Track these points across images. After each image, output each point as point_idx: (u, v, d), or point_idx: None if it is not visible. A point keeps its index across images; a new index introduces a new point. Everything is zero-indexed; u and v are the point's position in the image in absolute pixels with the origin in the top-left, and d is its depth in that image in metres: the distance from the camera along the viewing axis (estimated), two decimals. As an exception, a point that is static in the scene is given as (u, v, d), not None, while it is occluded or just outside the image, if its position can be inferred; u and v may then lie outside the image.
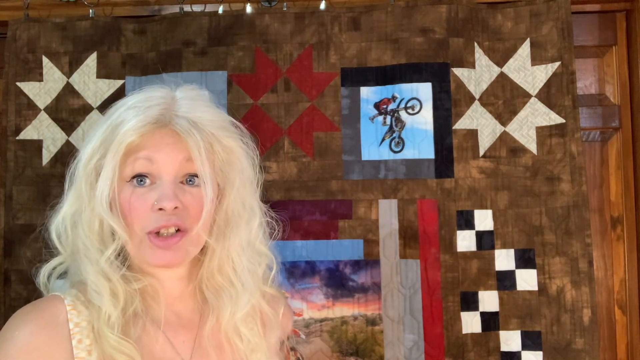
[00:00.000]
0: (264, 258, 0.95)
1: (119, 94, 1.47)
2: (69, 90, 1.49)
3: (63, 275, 0.90)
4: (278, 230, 0.98)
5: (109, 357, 0.79)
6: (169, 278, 0.89)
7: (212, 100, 0.92)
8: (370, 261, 1.46)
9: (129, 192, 0.83)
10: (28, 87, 1.50)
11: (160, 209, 0.81)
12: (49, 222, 0.89)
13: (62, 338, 0.79)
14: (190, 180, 0.85)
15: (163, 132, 0.83)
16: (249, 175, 0.92)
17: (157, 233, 0.82)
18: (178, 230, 0.83)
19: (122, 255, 0.85)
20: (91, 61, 1.50)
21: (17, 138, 1.49)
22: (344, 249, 1.46)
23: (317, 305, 1.46)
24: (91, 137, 0.86)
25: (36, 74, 1.50)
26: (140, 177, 0.83)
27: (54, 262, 0.88)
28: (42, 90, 1.50)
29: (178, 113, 0.84)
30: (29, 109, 1.49)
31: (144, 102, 0.85)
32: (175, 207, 0.82)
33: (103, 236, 0.84)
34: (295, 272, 1.46)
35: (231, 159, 0.89)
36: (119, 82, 1.50)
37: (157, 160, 0.83)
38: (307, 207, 1.47)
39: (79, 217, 0.85)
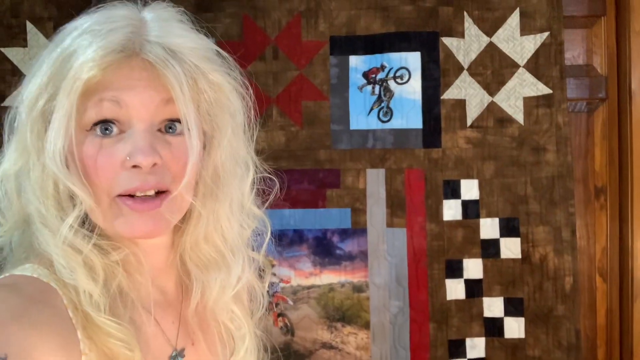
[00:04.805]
0: (255, 221, 0.80)
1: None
2: (54, 56, 1.47)
3: None
4: (278, 188, 0.81)
5: (101, 346, 0.63)
6: (151, 246, 0.72)
7: (191, 22, 0.71)
8: (358, 230, 1.47)
9: (93, 146, 0.63)
10: (12, 53, 1.47)
11: (135, 166, 0.63)
12: None
13: (69, 332, 0.61)
14: (170, 128, 0.66)
15: (132, 64, 0.63)
16: (242, 120, 0.74)
17: (131, 195, 0.64)
18: (158, 193, 0.65)
19: (89, 222, 0.66)
20: (76, 27, 1.48)
21: (2, 105, 1.47)
22: (331, 217, 1.48)
23: (304, 273, 1.48)
24: (35, 71, 0.65)
25: (20, 40, 1.48)
26: (105, 124, 0.63)
27: None
28: (27, 56, 1.47)
29: (149, 38, 0.64)
30: (14, 75, 1.47)
31: (103, 24, 0.64)
32: (154, 164, 0.63)
33: (60, 200, 0.64)
34: (283, 241, 1.47)
35: (220, 98, 0.70)
36: (105, 49, 1.48)
37: (126, 102, 0.63)
38: (295, 176, 1.48)
39: (27, 176, 0.65)
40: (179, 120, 0.66)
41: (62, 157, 0.62)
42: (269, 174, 0.81)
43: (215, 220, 0.74)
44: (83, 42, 0.63)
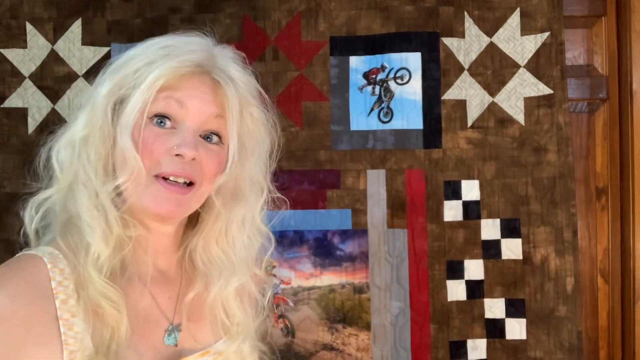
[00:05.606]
0: (262, 237, 0.94)
1: (105, 62, 1.44)
2: (53, 57, 1.47)
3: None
4: (283, 210, 0.97)
5: (93, 305, 0.75)
6: (159, 232, 0.85)
7: (245, 64, 0.90)
8: (358, 231, 1.47)
9: (152, 132, 0.79)
10: (12, 54, 1.47)
11: (178, 155, 0.78)
12: (49, 147, 0.83)
13: (44, 299, 0.72)
14: (208, 137, 0.82)
15: (201, 79, 0.81)
16: (266, 151, 0.91)
17: (165, 178, 0.79)
18: (188, 184, 0.80)
19: (122, 199, 0.80)
20: (76, 27, 1.47)
21: (2, 106, 1.47)
22: (332, 218, 1.47)
23: (305, 274, 1.47)
24: (121, 66, 0.81)
25: (20, 41, 1.47)
26: (161, 118, 0.80)
27: (44, 193, 0.82)
28: (27, 57, 1.47)
29: (218, 65, 0.83)
30: (13, 77, 1.47)
31: (185, 44, 0.82)
32: (193, 158, 0.79)
33: (107, 168, 0.80)
34: (284, 242, 1.46)
35: (254, 130, 0.87)
36: (105, 49, 1.47)
37: (188, 106, 0.80)
38: (296, 177, 1.47)
39: (85, 143, 0.80)
40: (217, 134, 0.83)
41: (130, 135, 0.78)
42: (279, 198, 0.96)
43: (228, 226, 0.89)
44: (168, 53, 0.80)
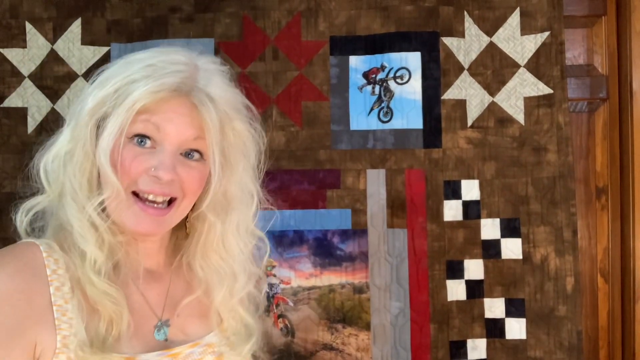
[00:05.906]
0: (255, 239, 0.98)
1: (104, 61, 1.44)
2: (53, 57, 1.47)
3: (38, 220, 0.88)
4: (276, 210, 1.00)
5: (92, 304, 0.79)
6: (145, 238, 0.89)
7: (231, 77, 0.91)
8: (358, 230, 1.47)
9: (131, 152, 0.81)
10: (12, 54, 1.47)
11: (155, 176, 0.81)
12: (39, 158, 0.86)
13: (40, 283, 0.76)
14: (189, 155, 0.84)
15: (179, 101, 0.82)
16: (253, 161, 0.93)
17: (143, 197, 0.82)
18: (169, 203, 0.83)
19: (106, 212, 0.83)
20: (75, 27, 1.47)
21: (2, 106, 1.47)
22: (332, 218, 1.47)
23: (305, 274, 1.47)
24: (104, 83, 0.83)
25: (19, 40, 1.47)
26: (142, 138, 0.82)
27: (35, 200, 0.85)
28: (26, 57, 1.47)
29: (198, 85, 0.83)
30: (13, 76, 1.46)
31: (167, 64, 0.82)
32: (171, 180, 0.81)
33: (92, 183, 0.82)
34: (284, 241, 1.46)
35: (238, 142, 0.89)
36: (104, 49, 1.47)
37: (165, 130, 0.81)
38: (296, 177, 1.47)
39: (71, 158, 0.83)
40: (198, 151, 0.85)
41: (109, 155, 0.80)
42: (270, 203, 0.99)
43: (224, 236, 0.92)
44: (148, 73, 0.80)
